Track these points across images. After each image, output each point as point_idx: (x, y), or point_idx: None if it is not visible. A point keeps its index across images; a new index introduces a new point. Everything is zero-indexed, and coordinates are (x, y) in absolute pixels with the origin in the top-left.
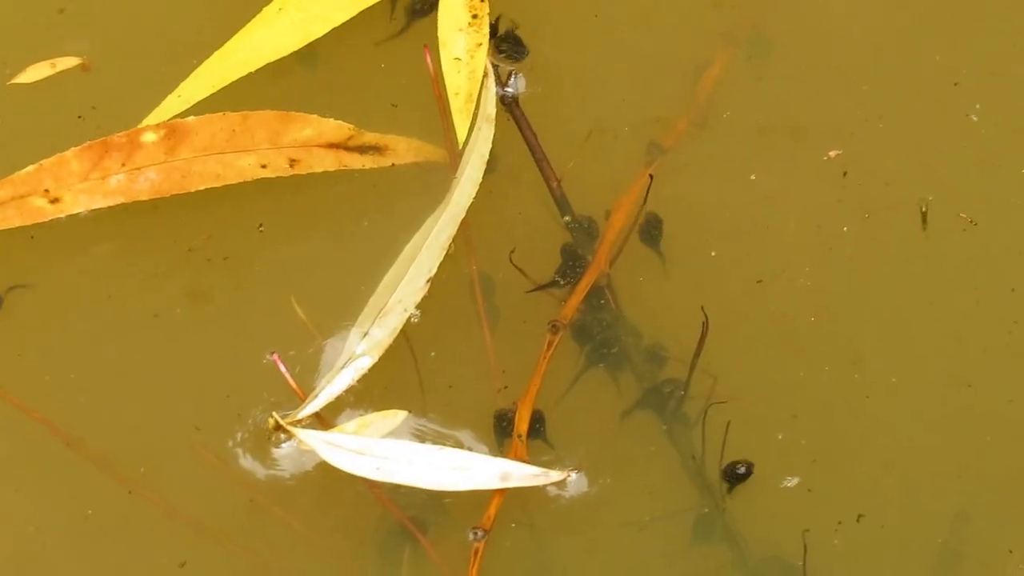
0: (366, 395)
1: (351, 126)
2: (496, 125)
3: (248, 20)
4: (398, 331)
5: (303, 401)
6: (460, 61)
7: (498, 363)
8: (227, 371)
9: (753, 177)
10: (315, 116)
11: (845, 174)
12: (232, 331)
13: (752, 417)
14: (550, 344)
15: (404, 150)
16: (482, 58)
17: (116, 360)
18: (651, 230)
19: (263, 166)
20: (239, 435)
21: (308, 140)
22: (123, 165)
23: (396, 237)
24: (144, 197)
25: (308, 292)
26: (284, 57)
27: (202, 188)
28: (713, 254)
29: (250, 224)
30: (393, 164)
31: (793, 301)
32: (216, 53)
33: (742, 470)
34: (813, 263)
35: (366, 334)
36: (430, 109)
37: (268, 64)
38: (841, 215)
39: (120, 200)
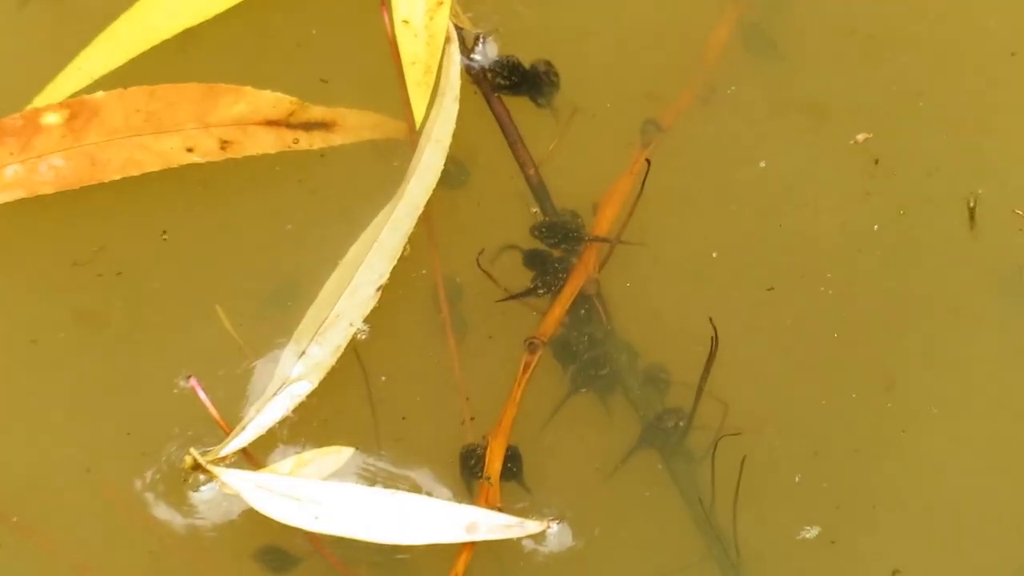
0: (303, 427)
1: (293, 98)
2: (461, 100)
3: None
4: (342, 350)
5: (227, 435)
6: (416, 24)
7: (464, 388)
8: (127, 403)
9: (764, 164)
10: (249, 88)
11: (876, 162)
12: (130, 357)
13: (766, 454)
14: (527, 366)
15: (357, 126)
16: (443, 20)
17: None
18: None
19: (189, 149)
20: (147, 477)
21: (242, 117)
22: (19, 153)
23: (340, 235)
24: (48, 190)
25: (227, 307)
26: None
27: (118, 178)
28: (715, 255)
29: (151, 230)
30: (342, 144)
31: (813, 314)
32: (123, 15)
33: None
34: (837, 268)
35: (303, 353)
36: (383, 80)
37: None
38: (871, 211)
39: (19, 195)
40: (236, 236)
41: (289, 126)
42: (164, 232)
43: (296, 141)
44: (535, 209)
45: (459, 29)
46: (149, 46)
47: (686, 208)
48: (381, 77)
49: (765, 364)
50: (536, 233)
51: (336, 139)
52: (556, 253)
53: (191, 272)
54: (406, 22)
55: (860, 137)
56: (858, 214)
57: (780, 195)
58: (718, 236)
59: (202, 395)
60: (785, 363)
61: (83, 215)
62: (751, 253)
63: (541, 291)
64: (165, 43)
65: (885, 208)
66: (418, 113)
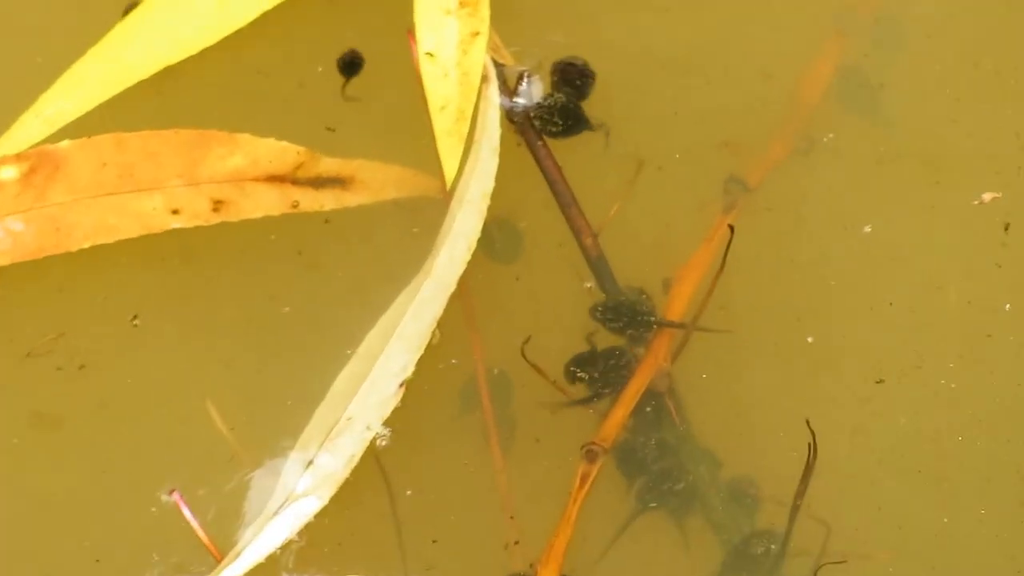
0: (312, 553)
1: (300, 148)
2: (502, 152)
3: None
4: (358, 459)
5: (218, 562)
6: (446, 60)
7: (509, 504)
8: (95, 522)
9: (869, 229)
10: (246, 135)
11: (1007, 227)
12: (97, 466)
13: None
14: (584, 478)
15: (378, 183)
16: (479, 55)
17: None
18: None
19: (174, 211)
20: None
21: (238, 171)
22: None
23: (352, 320)
24: (4, 261)
25: (218, 404)
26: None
27: (87, 245)
28: (811, 340)
29: (119, 313)
30: (358, 205)
31: (932, 411)
32: (91, 50)
33: None
34: (961, 354)
35: (310, 463)
36: (406, 129)
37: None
38: (1001, 286)
39: None
40: (222, 321)
41: (296, 182)
42: (135, 316)
43: (296, 204)
44: (589, 284)
45: (498, 66)
46: (123, 87)
47: (776, 284)
48: (403, 125)
49: (874, 475)
50: (597, 315)
51: (352, 199)
52: (619, 340)
53: (168, 364)
54: (431, 55)
55: (987, 196)
56: (986, 290)
57: (890, 267)
58: (815, 317)
59: (187, 513)
60: (898, 473)
61: (39, 294)
62: (855, 338)
63: (605, 392)
64: (142, 84)
65: (1019, 282)
66: (449, 169)
